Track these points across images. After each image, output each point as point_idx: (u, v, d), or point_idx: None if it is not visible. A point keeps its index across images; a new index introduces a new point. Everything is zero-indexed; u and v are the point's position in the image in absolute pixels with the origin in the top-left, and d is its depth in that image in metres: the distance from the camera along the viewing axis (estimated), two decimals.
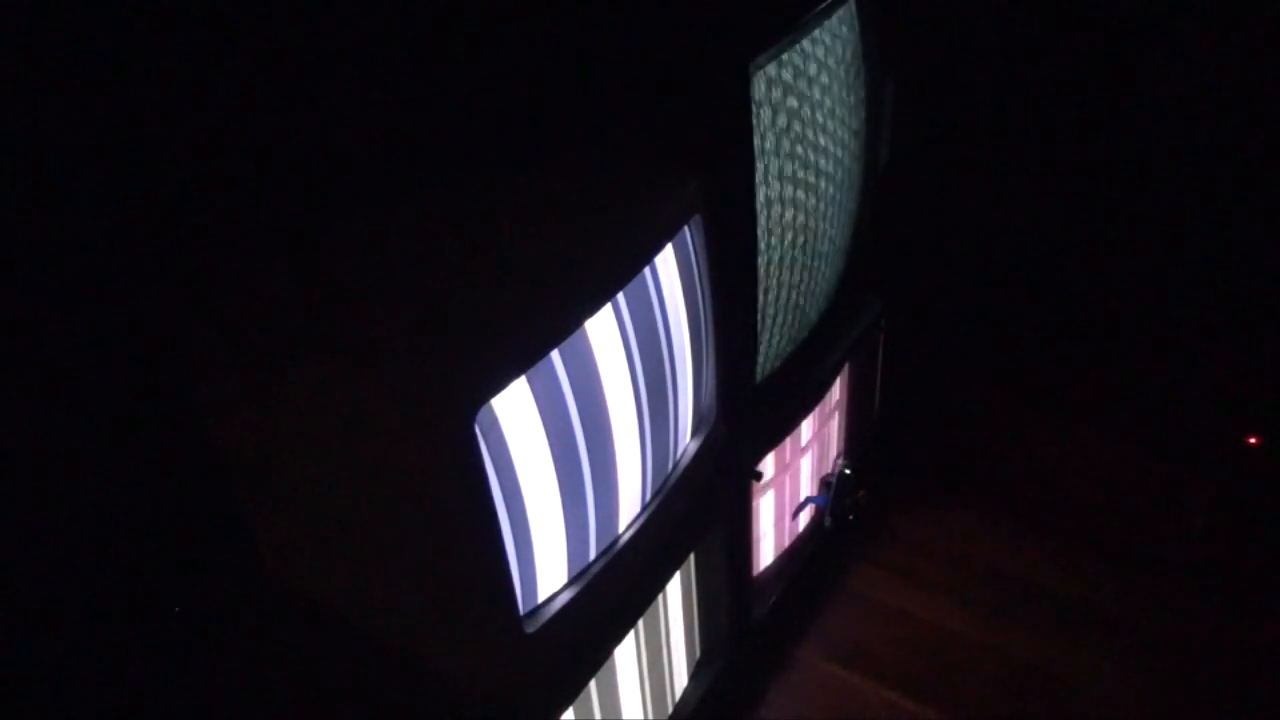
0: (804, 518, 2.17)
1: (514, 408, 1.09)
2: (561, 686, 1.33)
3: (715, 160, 1.39)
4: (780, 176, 1.56)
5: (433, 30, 1.46)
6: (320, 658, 1.36)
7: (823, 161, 1.69)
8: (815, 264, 1.78)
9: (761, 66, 1.44)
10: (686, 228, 1.35)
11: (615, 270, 1.22)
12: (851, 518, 2.19)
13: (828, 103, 1.66)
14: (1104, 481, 2.48)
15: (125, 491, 1.29)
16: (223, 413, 1.19)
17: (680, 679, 1.82)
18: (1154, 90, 2.54)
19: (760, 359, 1.66)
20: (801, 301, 1.78)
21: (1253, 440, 2.48)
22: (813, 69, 1.59)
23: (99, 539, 1.29)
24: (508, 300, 1.11)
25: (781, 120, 1.53)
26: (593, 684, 1.48)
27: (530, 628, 1.19)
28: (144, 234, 1.23)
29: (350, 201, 1.34)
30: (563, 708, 1.34)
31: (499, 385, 1.05)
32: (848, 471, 2.16)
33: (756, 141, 1.45)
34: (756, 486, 1.78)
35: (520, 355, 1.08)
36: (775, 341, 1.72)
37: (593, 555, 1.30)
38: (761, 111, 1.46)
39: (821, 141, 1.67)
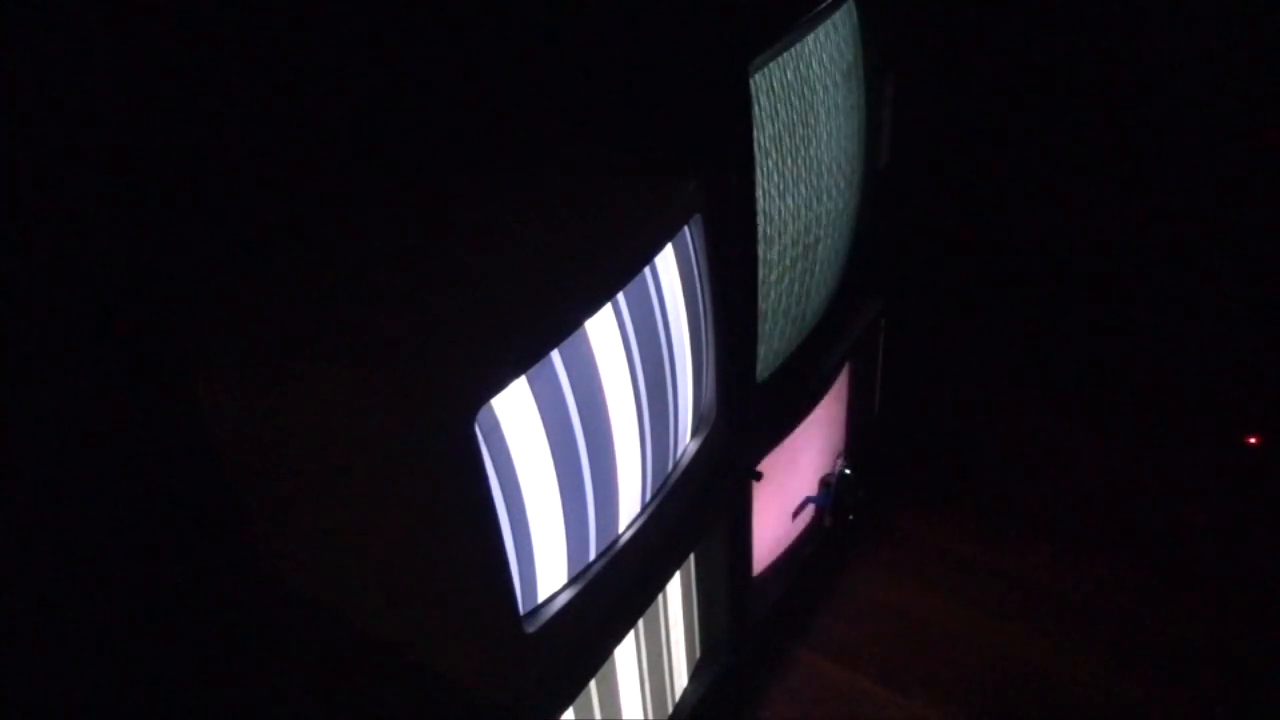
0: (804, 518, 2.17)
1: (514, 408, 1.09)
2: (561, 686, 1.33)
3: (715, 160, 1.39)
4: (780, 176, 1.56)
5: (434, 30, 1.46)
6: (320, 657, 1.36)
7: (823, 161, 1.69)
8: (815, 264, 1.78)
9: (761, 66, 1.44)
10: (686, 228, 1.35)
11: (615, 270, 1.22)
12: (851, 518, 2.19)
13: (828, 102, 1.66)
14: (1103, 481, 2.47)
15: (125, 491, 1.29)
16: (222, 412, 1.19)
17: (680, 679, 1.82)
18: (1155, 89, 2.54)
19: (760, 359, 1.66)
20: (801, 301, 1.78)
21: (1253, 440, 2.48)
22: (813, 68, 1.59)
23: (98, 538, 1.29)
24: (508, 300, 1.11)
25: (781, 120, 1.52)
26: (593, 684, 1.48)
27: (530, 628, 1.19)
28: (144, 234, 1.23)
29: (351, 201, 1.35)
30: (563, 708, 1.34)
31: (499, 385, 1.05)
32: (848, 471, 2.16)
33: (756, 141, 1.45)
34: (756, 486, 1.77)
35: (520, 355, 1.08)
36: (775, 341, 1.72)
37: (593, 555, 1.30)
38: (761, 111, 1.46)
39: (821, 141, 1.67)
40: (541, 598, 1.23)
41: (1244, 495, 2.38)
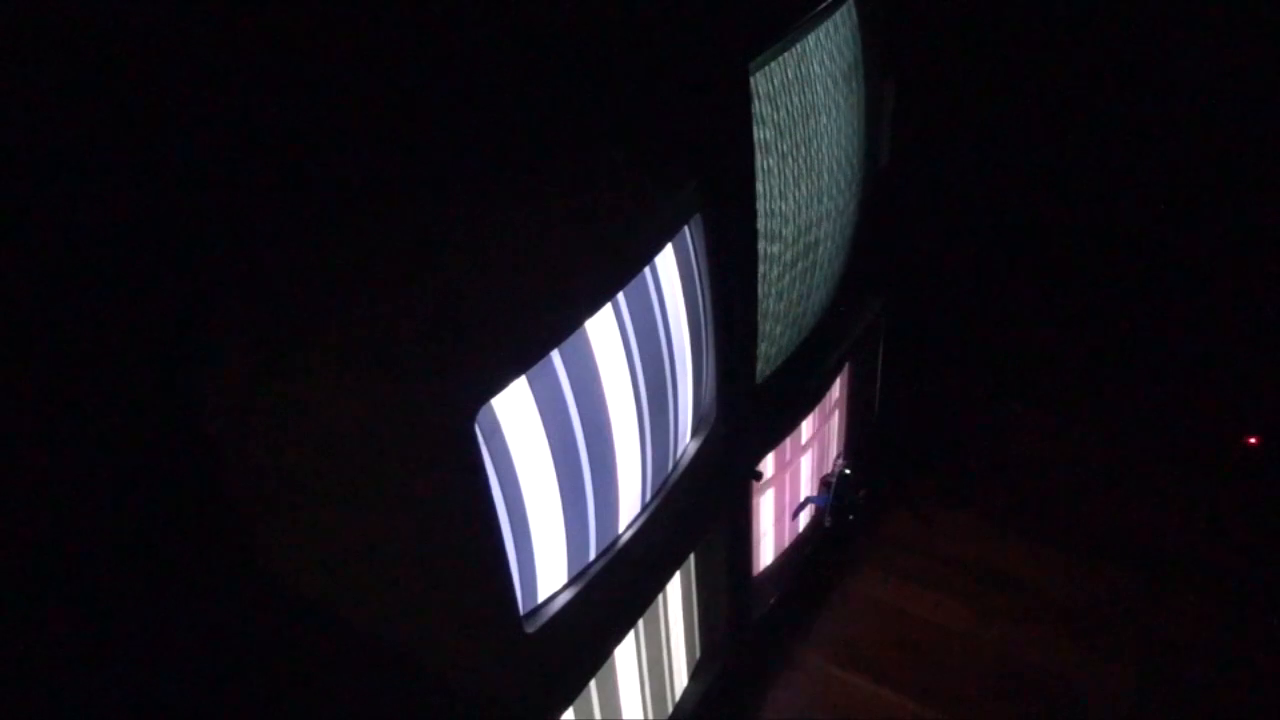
0: (804, 518, 2.17)
1: (514, 408, 1.09)
2: (561, 686, 1.33)
3: (715, 160, 1.39)
4: (781, 175, 1.56)
5: (437, 30, 1.46)
6: (321, 658, 1.36)
7: (823, 160, 1.69)
8: (816, 263, 1.78)
9: (761, 67, 1.44)
10: (686, 228, 1.35)
11: (615, 270, 1.22)
12: (851, 518, 2.19)
13: (827, 102, 1.66)
14: (1104, 481, 2.48)
15: (125, 491, 1.29)
16: (223, 412, 1.19)
17: (680, 679, 1.82)
18: (1154, 90, 2.54)
19: (760, 359, 1.66)
20: (801, 301, 1.78)
21: (1253, 440, 2.48)
22: (813, 68, 1.59)
23: (98, 538, 1.29)
24: (508, 301, 1.11)
25: (782, 120, 1.52)
26: (593, 684, 1.48)
27: (530, 628, 1.19)
28: (147, 233, 1.23)
29: (352, 203, 1.34)
30: (563, 708, 1.34)
31: (499, 386, 1.05)
32: (848, 471, 2.16)
33: (757, 140, 1.45)
34: (756, 486, 1.78)
35: (520, 355, 1.08)
36: (775, 341, 1.72)
37: (593, 555, 1.30)
38: (761, 111, 1.46)
39: (822, 140, 1.67)
40: (542, 598, 1.23)
41: (1244, 495, 2.38)
